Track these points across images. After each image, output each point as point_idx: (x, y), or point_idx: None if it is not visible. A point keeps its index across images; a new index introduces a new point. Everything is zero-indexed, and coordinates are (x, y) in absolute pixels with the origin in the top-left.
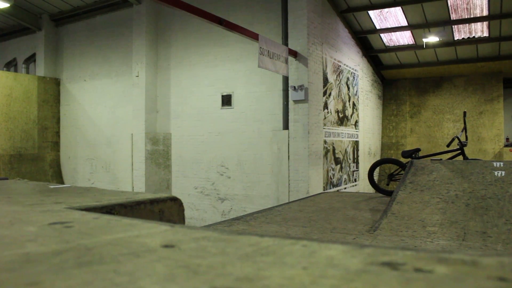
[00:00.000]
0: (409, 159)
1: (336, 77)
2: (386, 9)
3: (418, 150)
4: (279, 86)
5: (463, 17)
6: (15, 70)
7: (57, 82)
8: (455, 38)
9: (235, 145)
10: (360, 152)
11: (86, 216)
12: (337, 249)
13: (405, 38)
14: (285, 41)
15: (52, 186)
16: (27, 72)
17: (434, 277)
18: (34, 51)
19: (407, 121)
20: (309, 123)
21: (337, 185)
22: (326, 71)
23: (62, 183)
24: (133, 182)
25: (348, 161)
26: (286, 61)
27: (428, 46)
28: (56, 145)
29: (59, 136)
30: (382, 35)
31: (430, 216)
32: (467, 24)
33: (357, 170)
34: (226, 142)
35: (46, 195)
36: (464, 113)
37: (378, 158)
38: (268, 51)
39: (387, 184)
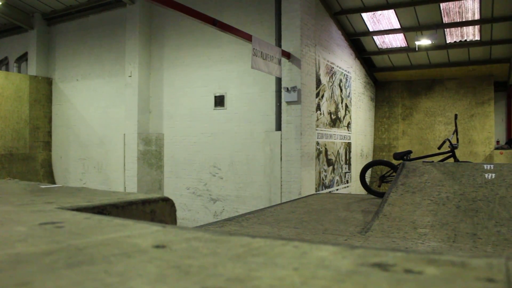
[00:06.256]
0: (400, 161)
1: (329, 78)
2: (379, 12)
3: (409, 152)
4: (272, 87)
5: (455, 21)
6: (7, 69)
7: (49, 82)
8: (447, 41)
9: (227, 146)
10: (352, 154)
11: (77, 216)
12: (328, 250)
13: (397, 40)
14: (278, 43)
15: (43, 186)
16: (19, 71)
17: (424, 278)
18: (26, 50)
19: (399, 123)
20: (302, 124)
21: (329, 187)
22: (319, 73)
23: (54, 183)
24: (125, 183)
25: (340, 163)
26: (279, 63)
27: (421, 48)
28: (47, 145)
29: (50, 136)
30: (375, 37)
31: (421, 217)
32: (459, 28)
33: (349, 172)
34: (218, 143)
35: (37, 195)
36: (456, 115)
37: (370, 159)
38: (261, 52)
39: (379, 186)
